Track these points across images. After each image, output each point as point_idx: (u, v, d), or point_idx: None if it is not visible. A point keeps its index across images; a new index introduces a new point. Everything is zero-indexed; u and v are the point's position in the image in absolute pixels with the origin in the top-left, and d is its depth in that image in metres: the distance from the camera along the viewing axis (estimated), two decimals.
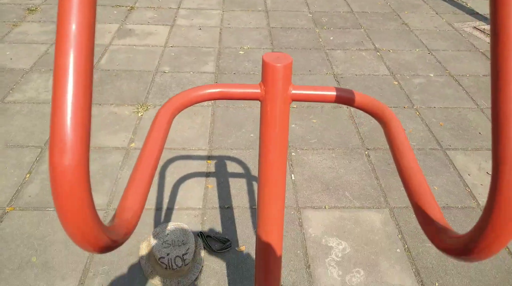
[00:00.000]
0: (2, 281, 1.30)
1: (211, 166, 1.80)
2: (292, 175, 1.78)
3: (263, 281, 0.74)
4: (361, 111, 2.12)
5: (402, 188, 1.73)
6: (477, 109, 2.22)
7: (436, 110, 2.21)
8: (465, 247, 0.31)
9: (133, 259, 1.40)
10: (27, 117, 2.02)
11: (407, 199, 1.68)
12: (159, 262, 1.31)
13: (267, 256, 0.71)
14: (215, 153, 1.87)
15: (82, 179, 0.25)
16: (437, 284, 1.35)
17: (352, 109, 2.20)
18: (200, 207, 1.62)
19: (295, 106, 2.19)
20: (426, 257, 1.44)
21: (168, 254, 1.31)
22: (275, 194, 0.65)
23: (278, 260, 0.72)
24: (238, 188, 1.71)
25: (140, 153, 0.46)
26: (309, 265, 1.41)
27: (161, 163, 1.79)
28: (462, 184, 1.75)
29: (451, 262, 1.42)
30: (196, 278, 1.35)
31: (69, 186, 0.25)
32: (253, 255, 1.44)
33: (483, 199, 1.67)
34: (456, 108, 2.23)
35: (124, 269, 1.36)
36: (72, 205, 0.26)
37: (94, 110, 2.10)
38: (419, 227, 1.56)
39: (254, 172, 1.77)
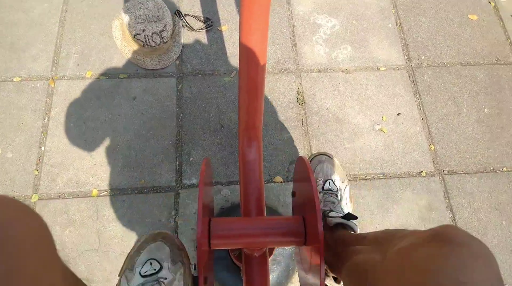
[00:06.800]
0: None
1: None
2: None
3: (247, 65, 0.67)
4: None
5: None
6: None
7: None
8: None
9: (107, 39, 1.30)
10: None
11: None
12: (136, 40, 1.21)
13: (251, 35, 0.62)
14: None
15: None
16: (423, 57, 1.33)
17: None
18: None
19: None
20: (418, 31, 1.38)
21: (143, 31, 1.21)
22: None
23: (263, 39, 0.64)
24: None
25: None
26: (296, 43, 1.34)
27: None
28: None
29: (442, 36, 1.37)
30: (178, 58, 1.29)
31: None
32: (236, 34, 1.35)
33: None
34: None
35: (98, 49, 1.28)
36: None
37: None
38: (415, 0, 1.44)
39: None
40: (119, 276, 0.58)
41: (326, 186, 0.84)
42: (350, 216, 0.73)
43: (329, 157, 0.92)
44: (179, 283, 0.56)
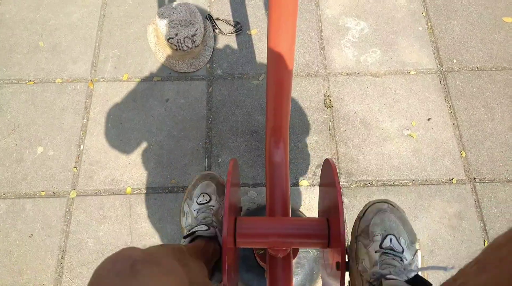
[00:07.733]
0: (17, 65, 1.31)
1: None
2: None
3: (274, 68, 0.70)
4: None
5: None
6: None
7: None
8: None
9: (142, 43, 1.36)
10: None
11: None
12: (169, 43, 1.26)
13: (279, 38, 0.64)
14: None
15: None
16: (455, 61, 1.31)
17: None
18: None
19: None
20: (449, 34, 1.36)
21: (176, 35, 1.25)
22: None
23: (291, 40, 0.65)
24: None
25: None
26: (324, 46, 1.35)
27: None
28: None
29: (474, 39, 1.34)
30: (208, 61, 1.33)
31: None
32: (265, 37, 1.37)
33: None
34: None
35: (134, 52, 1.34)
36: None
37: None
38: (446, 3, 1.42)
39: None
40: (181, 204, 0.82)
41: (386, 243, 0.59)
42: (420, 280, 0.50)
43: (393, 206, 0.65)
44: (222, 210, 0.77)
